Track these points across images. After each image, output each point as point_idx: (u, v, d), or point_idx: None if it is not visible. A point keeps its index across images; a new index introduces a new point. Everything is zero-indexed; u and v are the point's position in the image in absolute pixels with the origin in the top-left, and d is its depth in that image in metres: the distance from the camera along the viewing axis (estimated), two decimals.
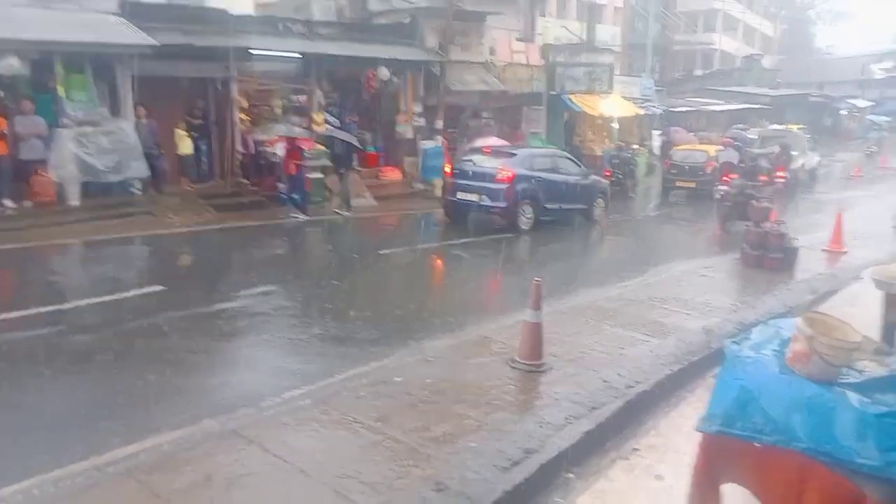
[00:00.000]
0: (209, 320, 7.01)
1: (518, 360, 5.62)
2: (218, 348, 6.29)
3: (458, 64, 18.68)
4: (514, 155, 13.24)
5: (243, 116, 14.64)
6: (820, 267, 9.93)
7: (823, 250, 10.95)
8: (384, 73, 16.63)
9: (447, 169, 13.72)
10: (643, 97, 27.66)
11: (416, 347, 6.18)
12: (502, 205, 12.43)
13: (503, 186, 12.37)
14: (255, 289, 8.22)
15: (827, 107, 42.32)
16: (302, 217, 13.33)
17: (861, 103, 46.72)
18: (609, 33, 34.65)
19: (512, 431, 4.51)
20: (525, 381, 5.38)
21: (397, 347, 6.23)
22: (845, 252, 10.86)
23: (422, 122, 18.10)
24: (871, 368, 3.55)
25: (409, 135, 17.88)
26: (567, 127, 23.07)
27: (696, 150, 20.24)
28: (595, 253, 13.39)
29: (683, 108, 30.17)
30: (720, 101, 32.30)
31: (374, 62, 16.56)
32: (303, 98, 15.99)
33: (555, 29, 29.02)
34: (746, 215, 11.46)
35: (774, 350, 3.96)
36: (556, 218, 13.46)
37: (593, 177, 14.78)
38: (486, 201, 12.51)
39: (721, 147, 19.82)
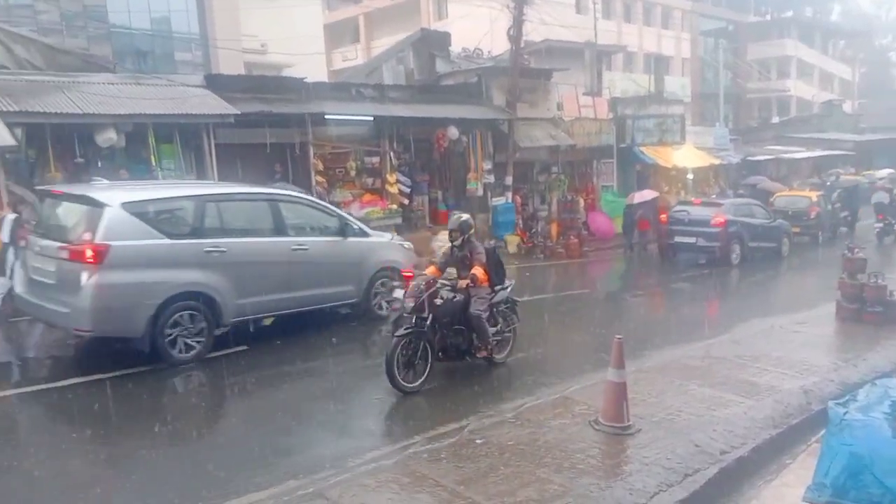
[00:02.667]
0: (295, 379, 7.11)
1: (602, 421, 5.41)
2: (300, 407, 6.33)
3: (526, 120, 18.85)
4: (722, 205, 16.24)
5: (320, 179, 15.15)
6: None
7: None
8: (453, 132, 16.96)
9: (663, 217, 16.56)
10: (718, 146, 27.05)
11: (497, 408, 6.05)
12: (717, 244, 15.29)
13: (718, 230, 15.19)
14: (329, 349, 8.28)
15: None
16: None
17: None
18: (678, 84, 34.50)
19: (599, 498, 4.30)
20: (610, 444, 5.15)
21: (476, 408, 6.12)
22: None
23: (491, 178, 18.26)
24: None
25: (480, 192, 18.03)
26: (640, 179, 22.76)
27: (799, 195, 20.64)
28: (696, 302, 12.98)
29: (762, 157, 29.24)
30: (801, 149, 31.19)
31: (443, 122, 16.93)
32: (375, 160, 16.47)
33: (622, 82, 29.08)
34: None
35: (885, 413, 3.69)
36: (755, 255, 15.90)
37: (779, 220, 17.23)
38: (703, 242, 15.38)
39: (821, 192, 20.89)
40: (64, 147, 11.91)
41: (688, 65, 40.84)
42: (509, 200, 18.38)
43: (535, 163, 20.06)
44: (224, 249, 7.53)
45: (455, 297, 6.81)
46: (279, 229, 8.27)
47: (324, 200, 15.03)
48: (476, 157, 17.82)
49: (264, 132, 14.10)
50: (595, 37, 26.25)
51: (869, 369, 6.94)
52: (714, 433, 5.31)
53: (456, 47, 22.51)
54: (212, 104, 13.13)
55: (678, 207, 16.79)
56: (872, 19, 62.03)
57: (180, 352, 7.18)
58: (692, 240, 15.62)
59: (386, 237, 10.02)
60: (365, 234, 9.37)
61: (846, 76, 53.16)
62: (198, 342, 7.30)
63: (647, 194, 18.68)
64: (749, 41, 44.54)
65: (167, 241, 7.21)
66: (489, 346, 7.07)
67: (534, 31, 21.03)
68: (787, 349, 7.77)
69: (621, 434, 5.27)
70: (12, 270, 9.05)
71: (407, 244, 10.39)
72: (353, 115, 15.83)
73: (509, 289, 7.50)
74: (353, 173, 16.05)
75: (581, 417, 5.62)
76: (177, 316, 7.12)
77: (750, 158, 28.31)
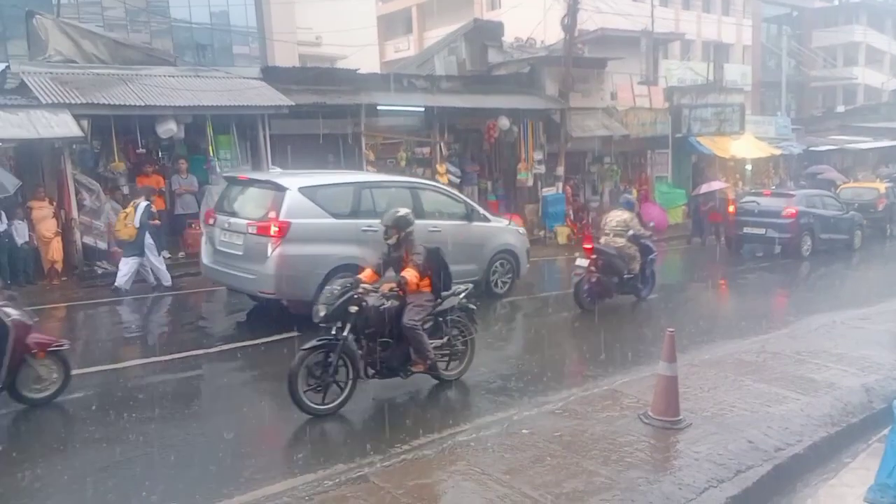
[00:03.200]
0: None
1: (651, 415, 5.32)
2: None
3: (579, 110, 18.58)
4: (794, 196, 16.10)
5: (371, 169, 15.30)
6: None
7: None
8: (504, 122, 16.86)
9: (731, 209, 16.34)
10: (779, 136, 26.12)
11: (544, 399, 6.03)
12: (788, 236, 15.15)
13: (789, 221, 15.11)
14: None
15: None
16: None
17: None
18: (738, 72, 33.40)
19: (647, 492, 4.24)
20: (660, 438, 5.07)
21: (523, 398, 6.11)
22: None
23: (542, 169, 18.10)
24: None
25: (530, 182, 17.90)
26: (696, 170, 22.19)
27: (867, 187, 20.55)
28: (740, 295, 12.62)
29: (825, 147, 28.11)
30: (867, 139, 29.83)
31: (494, 112, 16.84)
32: (426, 150, 16.52)
33: (679, 71, 28.34)
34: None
35: None
36: (826, 247, 15.80)
37: (852, 212, 16.97)
38: (773, 233, 15.24)
39: (889, 184, 20.45)
40: (127, 138, 12.38)
41: (749, 52, 39.45)
42: (560, 191, 18.19)
43: (587, 153, 19.78)
44: (376, 229, 8.11)
45: (383, 304, 5.88)
46: (418, 213, 8.89)
47: None
48: (527, 147, 17.68)
49: (318, 123, 14.32)
50: (651, 24, 25.61)
51: None
52: (768, 430, 5.17)
53: (509, 37, 22.33)
54: (268, 96, 13.41)
55: (748, 198, 16.57)
56: None
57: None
58: (762, 231, 15.51)
59: (503, 223, 10.99)
60: (487, 220, 10.44)
61: None
62: None
63: (714, 185, 18.17)
64: (814, 28, 42.78)
65: (333, 220, 8.45)
66: (428, 361, 6.10)
67: (588, 20, 20.68)
68: (848, 345, 7.48)
69: (671, 428, 5.18)
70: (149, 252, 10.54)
71: (521, 230, 11.38)
72: (404, 105, 15.92)
73: (462, 295, 6.47)
74: (403, 164, 16.15)
75: (630, 410, 5.54)
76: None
77: (812, 149, 27.27)
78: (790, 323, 9.03)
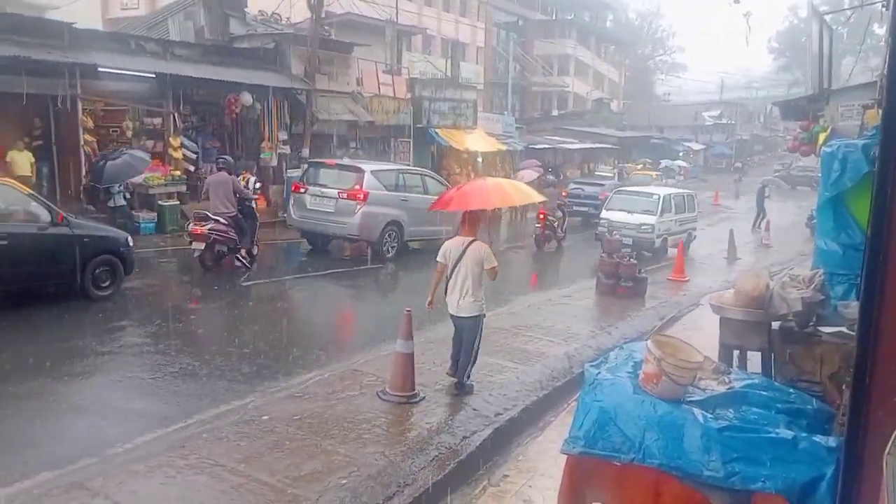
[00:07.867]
0: (50, 359, 6.31)
1: (389, 391, 5.56)
2: (59, 390, 5.66)
3: (326, 93, 18.54)
4: (604, 185, 20.94)
5: (88, 138, 13.55)
6: (665, 294, 10.76)
7: (668, 279, 11.90)
8: (246, 98, 16.13)
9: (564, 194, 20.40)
10: (505, 133, 28.88)
11: (283, 383, 5.93)
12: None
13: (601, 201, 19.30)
14: (103, 325, 7.54)
15: (667, 148, 46.45)
16: None
17: (696, 146, 51.77)
18: (472, 71, 36.02)
19: (383, 466, 4.43)
20: (396, 413, 5.33)
21: (263, 383, 5.95)
22: (687, 280, 11.86)
23: (287, 149, 17.72)
24: (712, 386, 3.88)
25: (274, 162, 17.41)
26: (434, 160, 23.53)
27: (647, 175, 32.17)
28: None
29: (542, 146, 31.87)
30: (574, 140, 34.47)
31: (235, 87, 16.03)
32: (157, 121, 15.12)
33: (420, 64, 29.71)
34: None
35: (629, 372, 4.20)
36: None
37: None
38: (594, 210, 19.31)
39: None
40: None
41: (482, 53, 42.85)
42: None
43: (333, 136, 19.82)
44: (407, 199, 12.91)
45: None
46: (426, 190, 13.49)
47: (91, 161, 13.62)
48: (271, 126, 17.16)
49: (20, 80, 12.23)
50: (396, 16, 26.45)
51: (619, 336, 7.94)
52: (490, 397, 5.73)
53: (252, 9, 21.35)
54: None
55: (573, 186, 21.07)
56: (637, 30, 69.97)
57: (388, 252, 12.62)
58: (585, 209, 19.97)
59: None
60: None
61: (615, 78, 59.50)
62: (393, 248, 12.78)
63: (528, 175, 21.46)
64: (536, 37, 47.88)
65: (387, 192, 12.68)
66: None
67: (335, 3, 20.65)
68: (554, 319, 8.62)
69: (406, 403, 5.48)
70: None
71: None
72: (131, 70, 14.36)
73: None
74: (129, 134, 14.59)
75: (369, 388, 5.73)
76: (388, 232, 12.57)
77: (532, 146, 30.69)
78: (511, 300, 10.07)
